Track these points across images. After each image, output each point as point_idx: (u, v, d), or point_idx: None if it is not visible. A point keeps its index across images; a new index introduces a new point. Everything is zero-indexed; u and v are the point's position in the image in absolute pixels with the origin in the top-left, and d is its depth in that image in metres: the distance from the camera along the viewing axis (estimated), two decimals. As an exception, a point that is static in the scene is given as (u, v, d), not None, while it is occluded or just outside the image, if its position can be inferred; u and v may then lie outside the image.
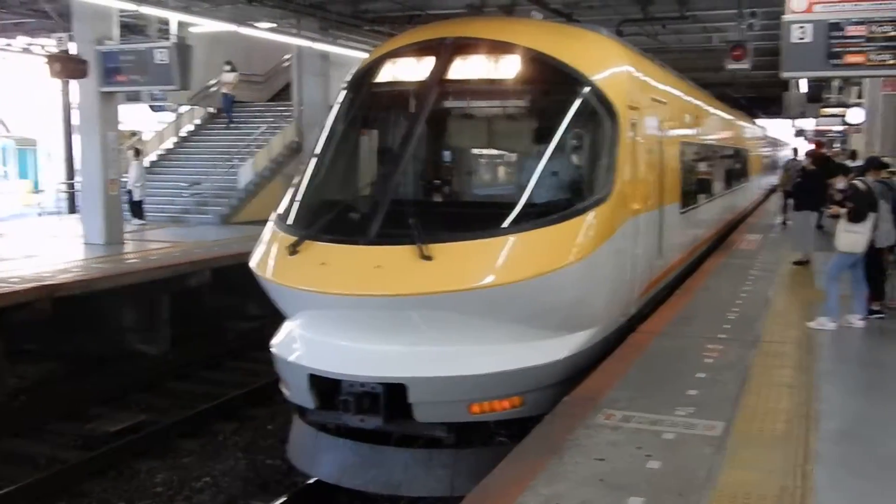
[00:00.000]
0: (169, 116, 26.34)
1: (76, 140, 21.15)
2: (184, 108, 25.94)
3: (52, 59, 15.46)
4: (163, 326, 14.37)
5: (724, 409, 6.54)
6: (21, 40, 24.98)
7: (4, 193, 34.77)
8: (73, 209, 25.00)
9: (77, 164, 20.05)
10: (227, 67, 24.61)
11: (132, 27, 20.84)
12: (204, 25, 19.14)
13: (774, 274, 13.11)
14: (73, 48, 16.02)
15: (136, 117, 27.64)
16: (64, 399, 12.05)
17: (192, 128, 26.51)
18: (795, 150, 22.96)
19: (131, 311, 14.20)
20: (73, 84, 20.16)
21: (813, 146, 24.23)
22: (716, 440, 5.86)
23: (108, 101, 16.80)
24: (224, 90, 25.18)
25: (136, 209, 20.48)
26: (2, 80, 36.85)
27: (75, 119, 21.81)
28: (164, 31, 16.92)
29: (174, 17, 16.23)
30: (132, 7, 15.20)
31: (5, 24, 22.50)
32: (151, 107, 26.03)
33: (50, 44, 23.32)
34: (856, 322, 9.46)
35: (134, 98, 22.43)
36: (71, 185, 25.51)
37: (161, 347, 14.28)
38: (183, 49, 15.83)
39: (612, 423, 6.19)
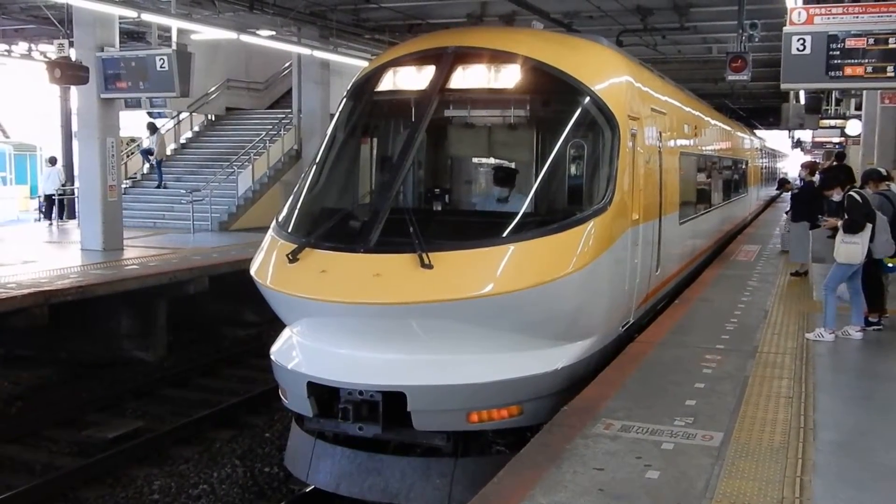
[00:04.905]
0: (168, 123, 26.34)
1: (76, 146, 21.19)
2: (183, 115, 25.96)
3: (52, 64, 15.46)
4: (160, 333, 14.38)
5: (723, 419, 6.54)
6: (22, 46, 24.97)
7: (3, 199, 34.74)
8: (71, 215, 24.97)
9: (76, 170, 20.04)
10: (148, 133, 23.73)
11: (133, 34, 20.88)
12: (205, 33, 19.18)
13: (772, 285, 13.12)
14: (73, 54, 16.01)
15: (134, 123, 27.68)
16: (60, 405, 12.04)
17: (190, 134, 26.57)
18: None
19: (128, 318, 14.21)
20: (74, 90, 20.24)
21: (808, 158, 24.24)
22: (714, 450, 5.86)
23: (108, 107, 16.80)
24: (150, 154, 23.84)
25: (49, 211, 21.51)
26: (2, 86, 36.89)
27: (75, 125, 21.86)
28: (165, 38, 16.91)
29: (175, 25, 16.25)
30: (133, 14, 15.23)
31: (6, 29, 22.53)
32: (150, 113, 26.05)
33: (50, 50, 23.34)
34: (853, 333, 9.47)
35: (134, 104, 22.44)
36: (70, 191, 25.52)
37: (158, 354, 14.29)
38: (183, 56, 15.83)
39: (610, 432, 6.18)
